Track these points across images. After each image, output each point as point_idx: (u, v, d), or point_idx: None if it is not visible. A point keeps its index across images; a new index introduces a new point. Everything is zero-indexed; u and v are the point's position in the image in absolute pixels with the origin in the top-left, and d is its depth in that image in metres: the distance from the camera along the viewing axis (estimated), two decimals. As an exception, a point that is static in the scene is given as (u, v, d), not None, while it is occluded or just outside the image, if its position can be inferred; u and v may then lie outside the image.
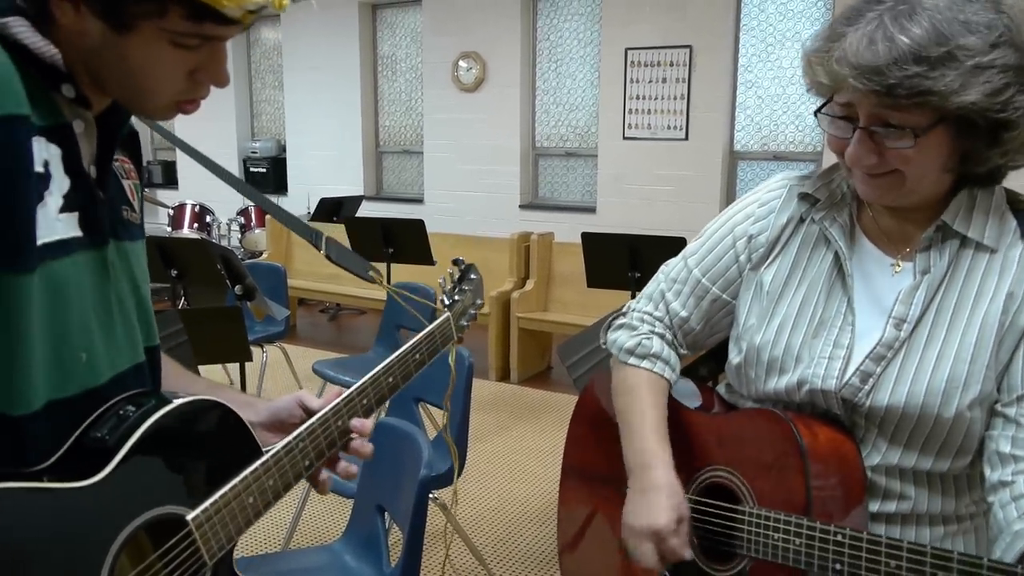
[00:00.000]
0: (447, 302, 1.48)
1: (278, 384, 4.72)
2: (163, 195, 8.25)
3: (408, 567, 1.71)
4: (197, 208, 6.96)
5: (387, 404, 2.91)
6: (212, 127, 8.36)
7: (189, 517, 0.92)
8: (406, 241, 4.81)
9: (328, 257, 1.26)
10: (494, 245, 5.42)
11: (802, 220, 1.23)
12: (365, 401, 1.18)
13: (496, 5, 7.12)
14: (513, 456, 4.01)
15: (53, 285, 0.83)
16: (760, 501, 1.15)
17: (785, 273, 1.21)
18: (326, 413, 1.11)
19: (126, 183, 1.00)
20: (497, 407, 4.69)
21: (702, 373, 1.44)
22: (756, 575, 1.15)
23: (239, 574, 1.02)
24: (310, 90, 8.31)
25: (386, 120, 8.30)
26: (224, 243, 7.05)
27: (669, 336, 1.32)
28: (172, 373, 1.11)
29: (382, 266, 4.84)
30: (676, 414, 1.28)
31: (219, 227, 7.17)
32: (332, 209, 6.72)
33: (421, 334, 1.33)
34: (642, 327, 1.32)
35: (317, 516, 3.33)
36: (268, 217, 6.70)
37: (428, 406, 2.94)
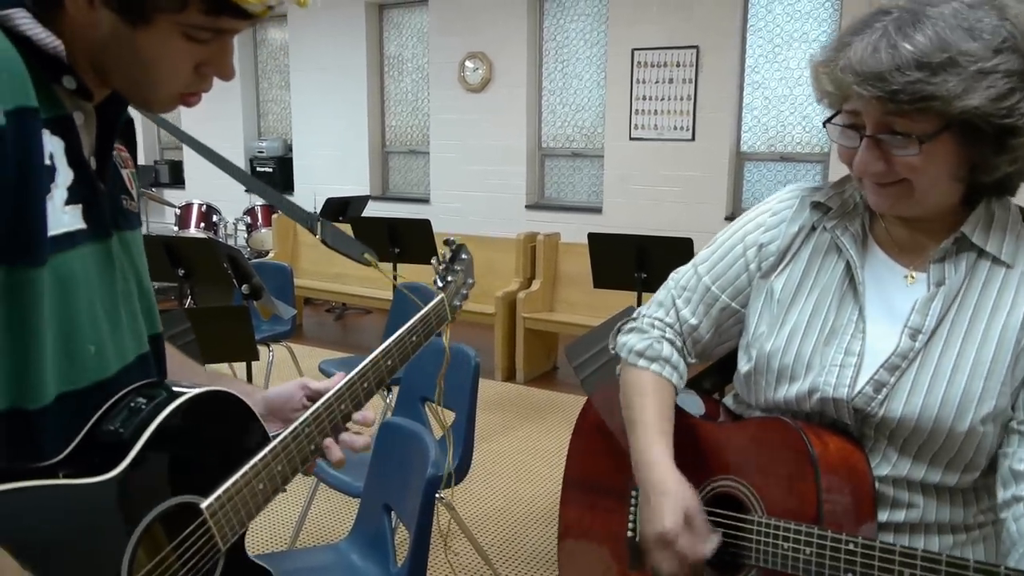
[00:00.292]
0: (440, 284, 1.50)
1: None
2: (170, 195, 8.25)
3: (415, 566, 1.71)
4: (204, 208, 6.96)
5: (393, 404, 2.91)
6: (218, 127, 8.36)
7: (203, 505, 0.93)
8: (412, 241, 4.81)
9: (324, 241, 1.27)
10: (500, 245, 5.40)
11: (813, 229, 1.23)
12: (366, 384, 1.22)
13: (503, 5, 7.12)
14: (519, 456, 4.01)
15: (62, 278, 0.83)
16: (769, 511, 1.14)
17: (796, 281, 1.21)
18: (329, 398, 1.15)
19: (124, 172, 1.00)
20: (503, 407, 4.69)
21: (706, 386, 1.43)
22: None
23: (251, 558, 1.04)
24: (316, 90, 8.31)
25: (392, 120, 8.29)
26: (231, 242, 7.06)
27: (679, 343, 1.32)
28: (175, 363, 1.12)
29: (388, 266, 4.85)
30: (683, 423, 1.27)
31: (226, 227, 7.17)
32: (338, 209, 6.73)
33: (416, 316, 1.37)
34: (653, 331, 1.32)
35: (323, 515, 3.33)
36: (275, 216, 6.70)
37: (435, 406, 2.94)
